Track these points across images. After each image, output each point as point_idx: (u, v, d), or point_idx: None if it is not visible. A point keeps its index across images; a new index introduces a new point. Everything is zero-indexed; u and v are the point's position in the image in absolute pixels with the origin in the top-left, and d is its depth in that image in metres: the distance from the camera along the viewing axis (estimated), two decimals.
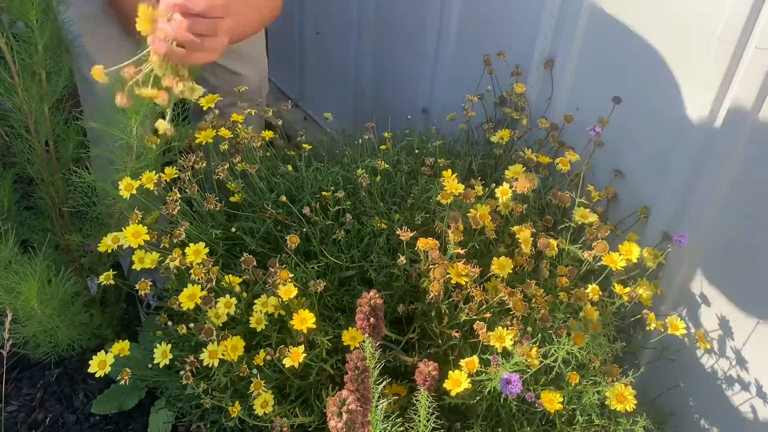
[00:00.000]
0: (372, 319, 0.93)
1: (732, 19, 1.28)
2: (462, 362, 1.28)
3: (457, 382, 1.24)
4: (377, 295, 0.92)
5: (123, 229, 1.43)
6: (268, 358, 1.34)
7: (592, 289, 1.35)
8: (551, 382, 1.36)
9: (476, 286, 1.36)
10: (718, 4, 1.30)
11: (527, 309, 1.33)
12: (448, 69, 2.09)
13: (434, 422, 1.12)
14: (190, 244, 1.39)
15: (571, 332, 1.32)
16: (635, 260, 1.38)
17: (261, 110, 1.99)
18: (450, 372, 1.26)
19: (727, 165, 1.37)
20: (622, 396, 1.28)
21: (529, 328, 1.33)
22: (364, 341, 0.99)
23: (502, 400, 1.33)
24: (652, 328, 1.38)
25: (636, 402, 1.28)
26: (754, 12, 1.26)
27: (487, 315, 1.35)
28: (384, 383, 1.12)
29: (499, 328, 1.30)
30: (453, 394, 1.25)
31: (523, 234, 1.41)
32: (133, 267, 1.42)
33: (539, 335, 1.35)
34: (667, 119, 1.48)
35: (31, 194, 1.88)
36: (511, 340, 1.28)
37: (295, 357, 1.31)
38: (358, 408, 0.86)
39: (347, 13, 2.42)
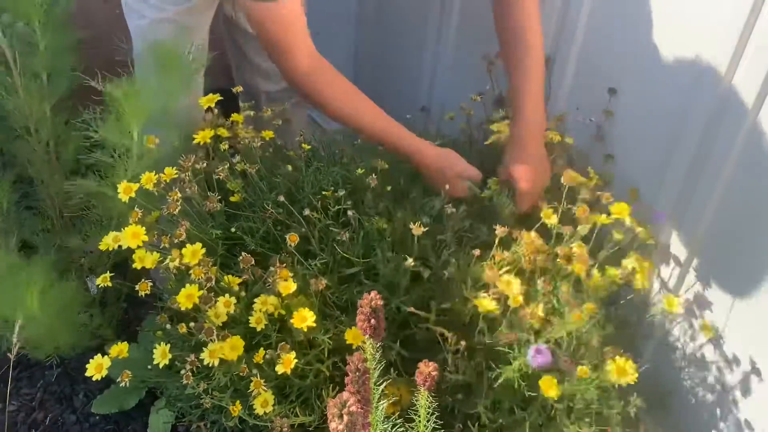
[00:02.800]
0: (373, 321, 0.94)
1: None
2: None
3: (487, 305, 1.33)
4: (378, 297, 0.93)
5: (123, 229, 1.43)
6: (268, 357, 1.34)
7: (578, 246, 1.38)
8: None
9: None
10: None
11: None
12: (449, 68, 2.10)
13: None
14: (187, 245, 1.39)
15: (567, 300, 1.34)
16: (627, 219, 1.40)
17: None
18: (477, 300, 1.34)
19: (725, 163, 1.38)
20: (623, 369, 1.27)
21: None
22: (365, 341, 0.99)
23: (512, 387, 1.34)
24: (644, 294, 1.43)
25: (636, 377, 1.27)
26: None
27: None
28: (384, 384, 1.12)
29: (506, 276, 1.35)
30: (481, 309, 1.32)
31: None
32: (134, 266, 1.42)
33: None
34: (668, 115, 1.48)
35: (31, 195, 1.88)
36: (519, 286, 1.33)
37: (287, 364, 1.32)
38: (359, 410, 0.86)
39: (347, 13, 2.43)
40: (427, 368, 1.00)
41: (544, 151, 1.58)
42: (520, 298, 1.33)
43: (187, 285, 1.36)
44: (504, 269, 1.39)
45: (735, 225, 1.40)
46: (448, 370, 1.36)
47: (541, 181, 1.55)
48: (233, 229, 1.54)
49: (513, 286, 1.34)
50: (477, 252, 1.39)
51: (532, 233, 1.39)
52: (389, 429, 1.16)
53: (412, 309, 1.41)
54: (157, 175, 1.47)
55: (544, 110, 1.58)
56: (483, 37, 1.88)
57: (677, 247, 1.52)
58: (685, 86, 1.42)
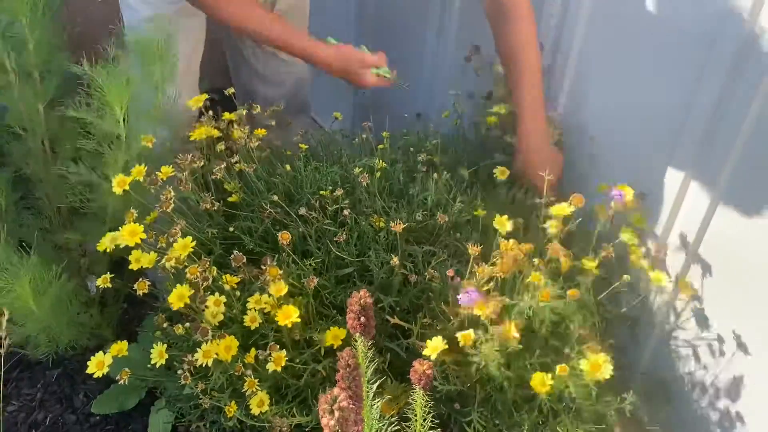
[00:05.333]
0: (363, 318, 0.93)
1: None
2: (459, 334, 1.30)
3: (434, 348, 1.27)
4: (367, 295, 0.92)
5: (120, 227, 1.43)
6: (261, 357, 1.34)
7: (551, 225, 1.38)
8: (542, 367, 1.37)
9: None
10: None
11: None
12: (448, 68, 2.10)
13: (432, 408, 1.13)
14: (179, 239, 1.39)
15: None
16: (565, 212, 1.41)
17: (306, 102, 2.09)
18: (428, 341, 1.29)
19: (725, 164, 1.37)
20: (596, 365, 1.26)
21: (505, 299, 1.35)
22: (354, 339, 0.99)
23: (499, 389, 1.33)
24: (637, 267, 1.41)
25: (612, 370, 1.26)
26: None
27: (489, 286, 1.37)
28: (378, 382, 1.12)
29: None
30: (432, 357, 1.26)
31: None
32: (130, 267, 1.42)
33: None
34: (668, 114, 1.48)
35: (29, 194, 1.88)
36: (492, 309, 1.29)
37: (278, 361, 1.32)
38: (350, 405, 0.86)
39: (347, 14, 2.43)
40: (422, 367, 1.00)
41: (547, 149, 1.67)
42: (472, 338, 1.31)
43: (179, 285, 1.36)
44: (483, 282, 1.38)
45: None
46: (438, 381, 1.36)
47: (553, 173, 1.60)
48: (231, 229, 1.54)
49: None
50: (451, 272, 1.40)
51: (511, 242, 1.38)
52: (384, 428, 1.16)
53: (396, 320, 1.41)
54: (147, 168, 1.48)
55: (542, 116, 1.65)
56: (482, 37, 1.88)
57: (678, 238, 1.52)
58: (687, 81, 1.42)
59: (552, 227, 1.40)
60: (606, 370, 1.26)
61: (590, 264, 1.39)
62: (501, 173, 1.58)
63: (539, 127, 1.65)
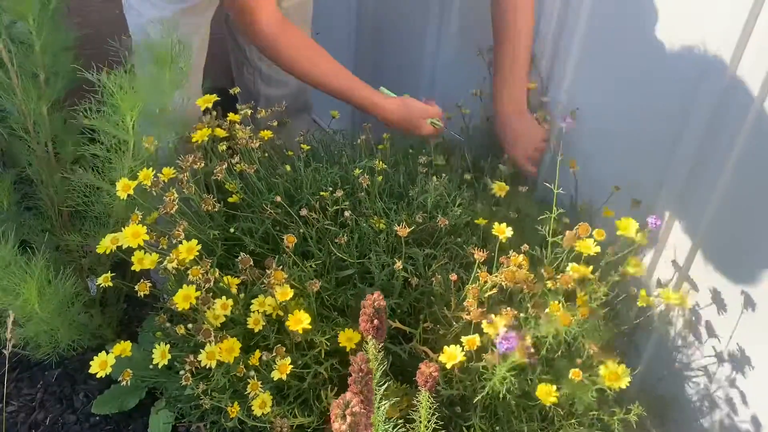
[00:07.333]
0: (376, 321, 0.94)
1: None
2: (463, 339, 1.29)
3: (452, 356, 1.26)
4: (381, 297, 0.93)
5: (122, 229, 1.42)
6: (264, 359, 1.34)
7: (573, 268, 1.34)
8: (551, 375, 1.37)
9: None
10: None
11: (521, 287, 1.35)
12: (448, 67, 2.09)
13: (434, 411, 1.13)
14: (183, 242, 1.39)
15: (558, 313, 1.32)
16: (633, 235, 1.37)
17: (308, 102, 2.12)
18: (445, 347, 1.28)
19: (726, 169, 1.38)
20: (615, 374, 1.27)
21: (521, 314, 1.34)
22: (366, 342, 0.99)
23: (501, 398, 1.33)
24: (643, 304, 1.40)
25: (630, 380, 1.26)
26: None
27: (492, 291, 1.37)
28: (387, 384, 1.12)
29: (493, 315, 1.30)
30: (448, 366, 1.26)
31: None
32: (132, 268, 1.42)
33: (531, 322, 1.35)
34: (666, 115, 1.48)
35: (31, 195, 1.88)
36: (504, 325, 1.28)
37: (282, 369, 1.32)
38: (362, 410, 0.86)
39: (347, 13, 2.42)
40: (428, 369, 1.00)
41: (525, 121, 1.69)
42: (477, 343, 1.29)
43: (185, 286, 1.35)
44: (488, 291, 1.38)
45: (738, 223, 1.40)
46: (440, 385, 1.36)
47: (530, 144, 1.67)
48: (232, 230, 1.54)
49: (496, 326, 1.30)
50: (454, 277, 1.39)
51: (520, 257, 1.37)
52: (390, 430, 1.16)
53: (398, 324, 1.41)
54: (154, 172, 1.47)
55: (521, 88, 1.67)
56: (482, 36, 1.88)
57: (677, 243, 1.52)
58: (687, 82, 1.42)
59: (573, 270, 1.35)
60: (624, 380, 1.26)
61: (602, 290, 1.38)
62: (499, 189, 1.58)
63: (514, 98, 1.64)
